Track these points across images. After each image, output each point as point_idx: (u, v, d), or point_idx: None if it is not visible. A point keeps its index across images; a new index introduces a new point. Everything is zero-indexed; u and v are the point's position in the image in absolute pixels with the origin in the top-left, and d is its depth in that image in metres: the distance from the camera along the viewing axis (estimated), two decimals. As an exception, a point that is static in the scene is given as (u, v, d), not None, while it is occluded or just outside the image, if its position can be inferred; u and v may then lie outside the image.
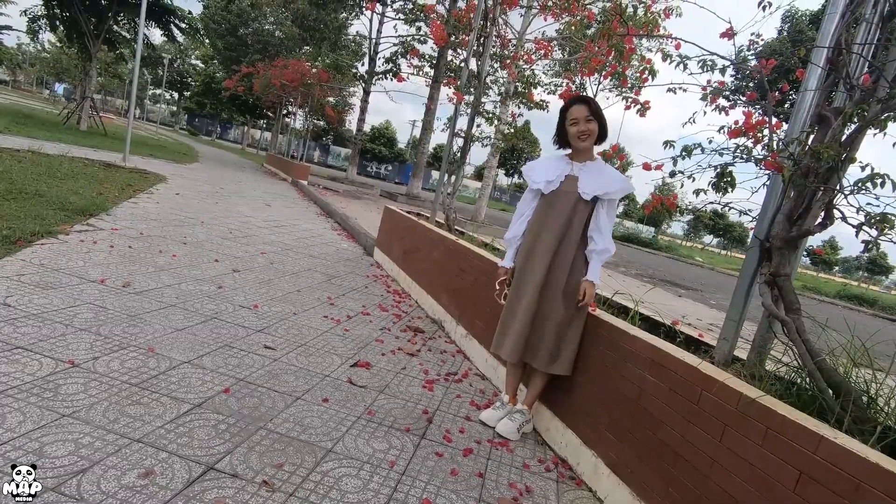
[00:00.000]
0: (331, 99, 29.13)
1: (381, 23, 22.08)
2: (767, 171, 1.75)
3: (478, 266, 3.51)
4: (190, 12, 19.44)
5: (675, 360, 1.80)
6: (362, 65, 22.32)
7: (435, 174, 58.40)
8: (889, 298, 26.54)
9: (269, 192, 11.95)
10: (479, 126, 5.31)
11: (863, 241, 1.49)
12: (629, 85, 2.74)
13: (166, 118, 73.82)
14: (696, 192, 1.82)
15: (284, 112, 27.96)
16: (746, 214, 1.89)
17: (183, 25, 18.59)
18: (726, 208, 1.82)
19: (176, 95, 65.96)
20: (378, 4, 19.75)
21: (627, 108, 2.85)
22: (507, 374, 2.56)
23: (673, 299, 9.31)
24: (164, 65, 28.11)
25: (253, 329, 3.03)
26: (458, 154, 4.97)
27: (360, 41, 25.77)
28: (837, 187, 1.54)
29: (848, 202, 1.50)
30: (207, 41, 25.19)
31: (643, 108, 2.83)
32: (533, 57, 6.24)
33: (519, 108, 16.28)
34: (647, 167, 1.90)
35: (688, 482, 1.65)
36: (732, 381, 1.60)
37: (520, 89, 7.46)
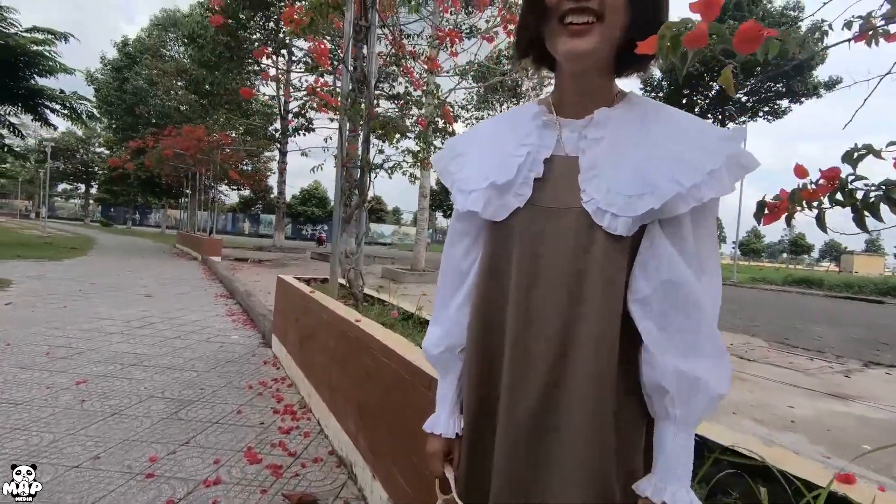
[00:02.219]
0: (247, 166, 27.32)
1: (287, 81, 20.94)
2: None
3: (388, 369, 1.96)
4: (75, 93, 17.37)
5: None
6: (271, 125, 20.86)
7: (374, 227, 56.79)
8: (832, 277, 27.09)
9: (162, 278, 9.93)
10: (380, 151, 3.88)
11: None
12: None
13: (78, 213, 68.50)
14: None
15: (203, 185, 25.78)
16: None
17: (56, 107, 16.46)
18: None
19: (83, 187, 61.41)
20: (278, 57, 18.62)
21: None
22: None
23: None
24: (45, 153, 25.15)
25: None
26: (355, 191, 3.50)
27: (270, 102, 24.49)
28: None
29: None
30: (96, 124, 22.80)
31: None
32: (434, 54, 4.99)
33: (443, 143, 15.27)
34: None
35: None
36: None
37: (436, 117, 6.16)
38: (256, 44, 16.60)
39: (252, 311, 6.11)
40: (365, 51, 3.51)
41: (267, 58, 16.77)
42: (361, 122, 3.30)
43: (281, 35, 18.88)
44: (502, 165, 0.81)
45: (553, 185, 0.79)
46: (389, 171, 3.65)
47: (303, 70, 16.69)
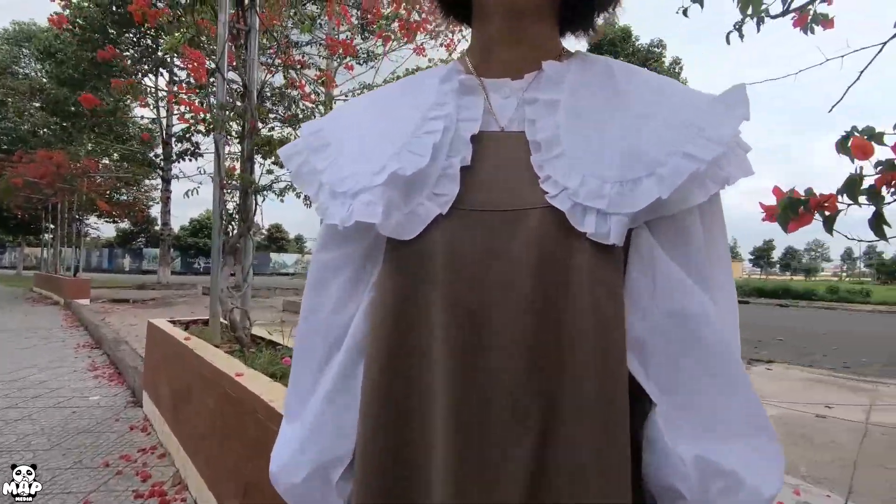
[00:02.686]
0: (124, 195, 24.50)
1: (168, 102, 19.20)
2: None
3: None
4: None
5: None
6: (151, 150, 18.95)
7: (276, 256, 53.67)
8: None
9: (6, 329, 8.27)
10: (268, 171, 3.42)
11: None
12: None
13: None
14: None
15: (68, 218, 22.46)
16: None
17: None
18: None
19: None
20: (157, 77, 17.04)
21: None
22: None
23: None
24: None
25: None
26: (236, 215, 3.00)
27: (150, 126, 22.28)
28: None
29: None
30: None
31: None
32: (330, 69, 4.64)
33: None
34: None
35: None
36: None
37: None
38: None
39: (121, 364, 5.17)
40: (245, 58, 3.07)
41: (143, 76, 15.23)
42: (237, 138, 2.84)
43: (160, 53, 17.36)
44: (406, 148, 0.50)
45: (491, 176, 0.50)
46: (279, 194, 3.20)
47: (185, 89, 15.41)
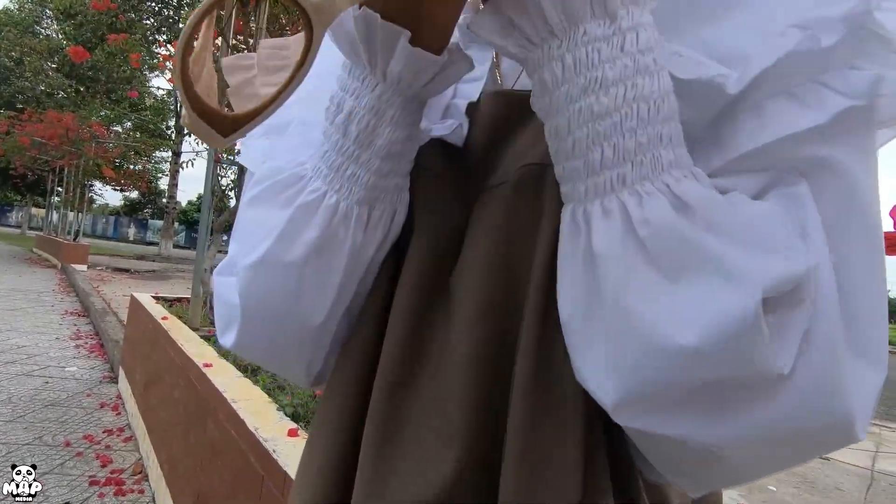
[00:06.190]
0: (136, 165, 24.42)
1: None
2: None
3: (234, 448, 1.36)
4: None
5: None
6: (162, 121, 18.83)
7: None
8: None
9: (-1, 290, 8.16)
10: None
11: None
12: None
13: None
14: None
15: (75, 182, 22.30)
16: None
17: None
18: None
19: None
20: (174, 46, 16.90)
21: None
22: None
23: None
24: None
25: None
26: (231, 192, 2.82)
27: (164, 97, 22.14)
28: None
29: None
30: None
31: None
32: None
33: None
34: None
35: None
36: None
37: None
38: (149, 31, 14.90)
39: (104, 336, 5.02)
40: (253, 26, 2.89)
41: (160, 46, 15.11)
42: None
43: (180, 25, 17.22)
44: None
45: None
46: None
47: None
